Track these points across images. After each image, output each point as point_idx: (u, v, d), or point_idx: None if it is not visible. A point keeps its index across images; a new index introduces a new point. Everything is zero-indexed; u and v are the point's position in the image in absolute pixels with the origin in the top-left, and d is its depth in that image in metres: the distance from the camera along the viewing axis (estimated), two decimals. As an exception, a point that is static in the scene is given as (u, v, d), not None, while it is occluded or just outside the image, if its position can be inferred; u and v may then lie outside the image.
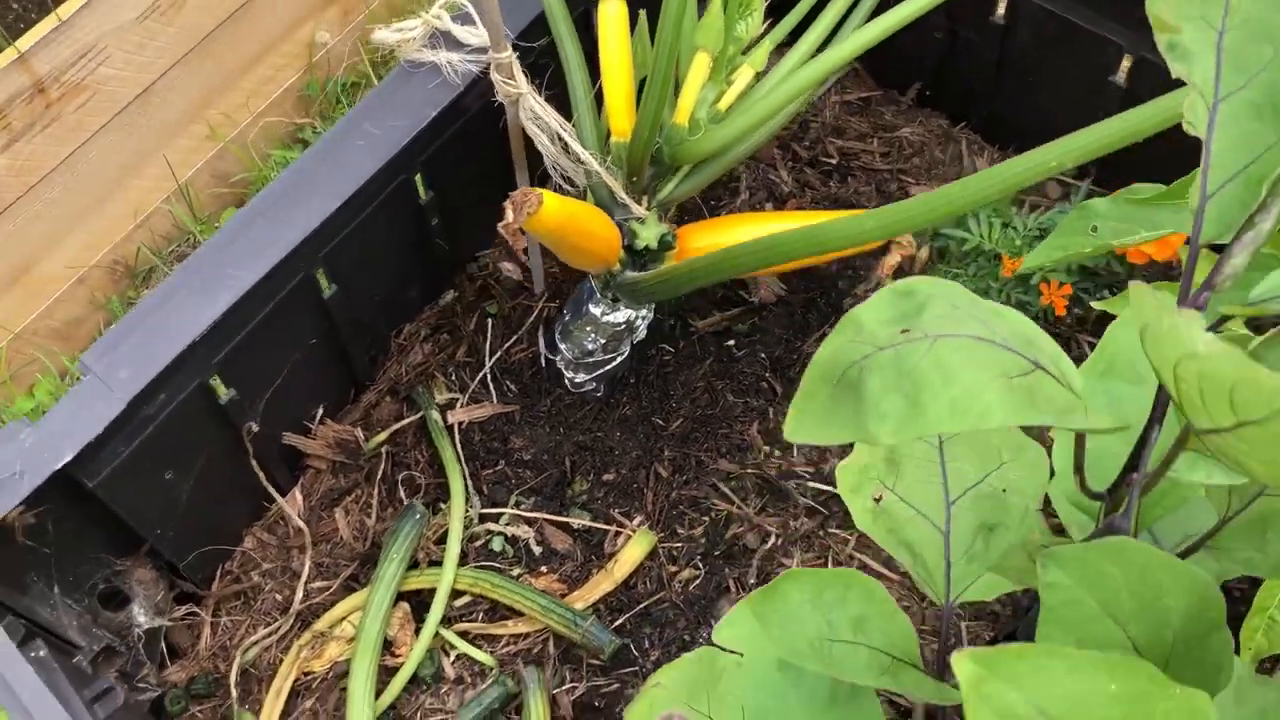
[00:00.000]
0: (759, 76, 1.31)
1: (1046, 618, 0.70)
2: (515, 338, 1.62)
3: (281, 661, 1.46)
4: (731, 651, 1.07)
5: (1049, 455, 1.04)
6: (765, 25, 1.36)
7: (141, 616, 1.42)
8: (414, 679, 1.43)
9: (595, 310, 1.39)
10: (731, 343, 1.59)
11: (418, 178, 1.44)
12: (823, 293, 1.61)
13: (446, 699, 1.43)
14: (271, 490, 1.50)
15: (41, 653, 1.20)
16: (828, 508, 1.47)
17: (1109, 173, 1.62)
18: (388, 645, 1.45)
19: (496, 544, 1.49)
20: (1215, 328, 0.72)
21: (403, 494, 1.54)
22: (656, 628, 1.43)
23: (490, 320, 1.63)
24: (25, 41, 1.81)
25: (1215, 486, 0.86)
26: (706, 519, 1.48)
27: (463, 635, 1.45)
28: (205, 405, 1.34)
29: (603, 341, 1.42)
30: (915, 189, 1.65)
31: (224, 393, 1.36)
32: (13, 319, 1.96)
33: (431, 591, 1.47)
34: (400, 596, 1.47)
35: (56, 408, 1.20)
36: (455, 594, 1.47)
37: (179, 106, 2.09)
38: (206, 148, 2.18)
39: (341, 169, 1.33)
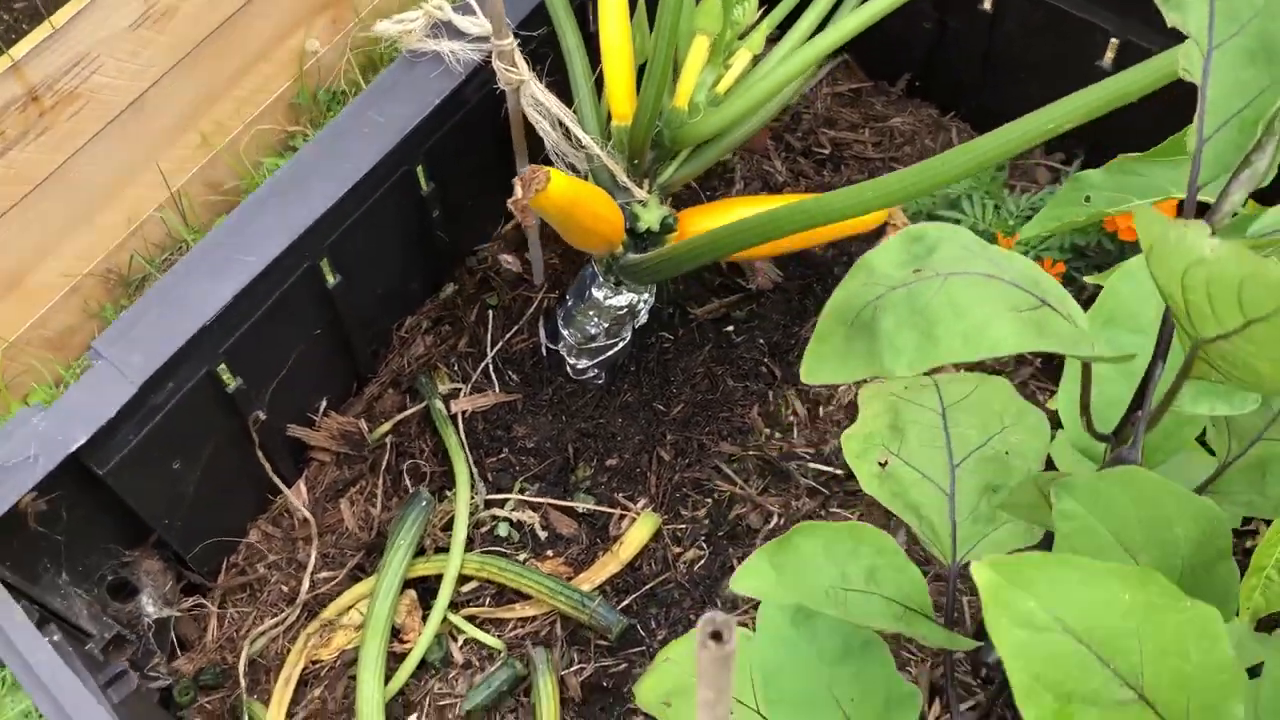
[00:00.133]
0: (756, 61, 1.34)
1: (1060, 546, 0.72)
2: (516, 328, 1.63)
3: (289, 651, 1.47)
4: (741, 624, 1.08)
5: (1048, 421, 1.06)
6: (761, 10, 1.38)
7: (150, 607, 1.43)
8: (422, 664, 1.44)
9: (598, 294, 1.41)
10: (730, 329, 1.61)
11: (419, 169, 1.46)
12: (819, 279, 1.64)
13: (455, 683, 1.44)
14: (277, 481, 1.51)
15: (56, 637, 1.21)
16: (828, 488, 1.49)
17: (1098, 156, 1.65)
18: (395, 632, 1.46)
19: (502, 529, 1.50)
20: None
21: (408, 483, 1.55)
22: (663, 608, 1.45)
23: (491, 311, 1.65)
24: (19, 50, 1.82)
25: (1217, 433, 0.88)
26: (710, 500, 1.50)
27: (470, 620, 1.46)
28: (213, 394, 1.36)
29: (605, 325, 1.44)
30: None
31: (231, 382, 1.37)
32: (6, 328, 1.97)
33: (438, 578, 1.48)
34: (407, 584, 1.48)
35: (69, 393, 1.21)
36: (462, 579, 1.48)
37: (171, 115, 2.10)
38: (199, 156, 2.19)
39: (346, 157, 1.35)
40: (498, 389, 1.60)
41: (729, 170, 1.73)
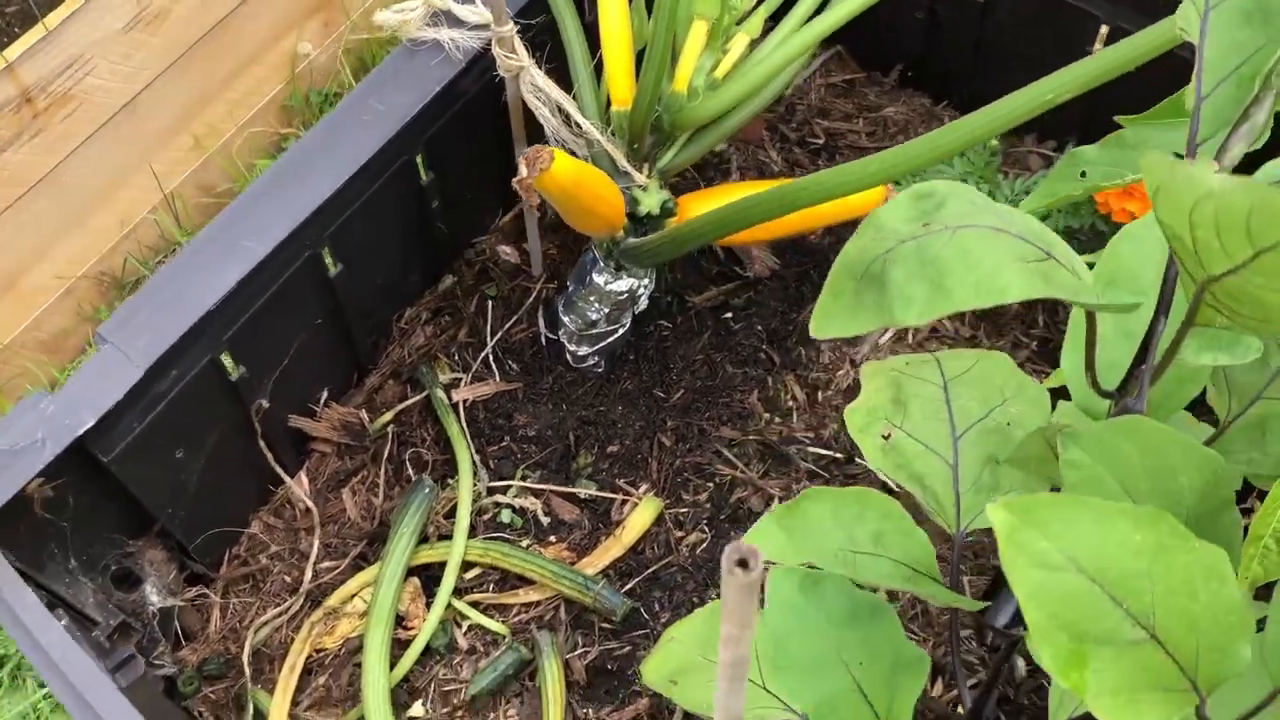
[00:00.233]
0: (754, 45, 1.35)
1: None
2: (515, 318, 1.64)
3: (293, 640, 1.47)
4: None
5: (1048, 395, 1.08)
6: (757, -4, 1.40)
7: (154, 596, 1.43)
8: (427, 651, 1.45)
9: (599, 279, 1.43)
10: (729, 316, 1.63)
11: (419, 158, 1.48)
12: (815, 265, 1.65)
13: (460, 669, 1.44)
14: (279, 470, 1.52)
15: (64, 622, 1.21)
16: (829, 471, 1.51)
17: (1090, 143, 1.67)
18: (399, 620, 1.46)
19: (505, 516, 1.51)
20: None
21: (410, 471, 1.56)
22: (666, 591, 1.46)
23: (490, 302, 1.66)
24: (12, 51, 1.83)
25: (1217, 392, 0.90)
26: (711, 484, 1.51)
27: (474, 605, 1.47)
28: (216, 382, 1.36)
29: (606, 311, 1.45)
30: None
31: (234, 370, 1.38)
32: (1, 331, 1.97)
33: (441, 566, 1.48)
34: (410, 572, 1.48)
35: (75, 377, 1.22)
36: (466, 566, 1.49)
37: (164, 117, 2.10)
38: (192, 158, 2.20)
39: (347, 145, 1.36)
40: (498, 378, 1.61)
41: (725, 161, 1.75)
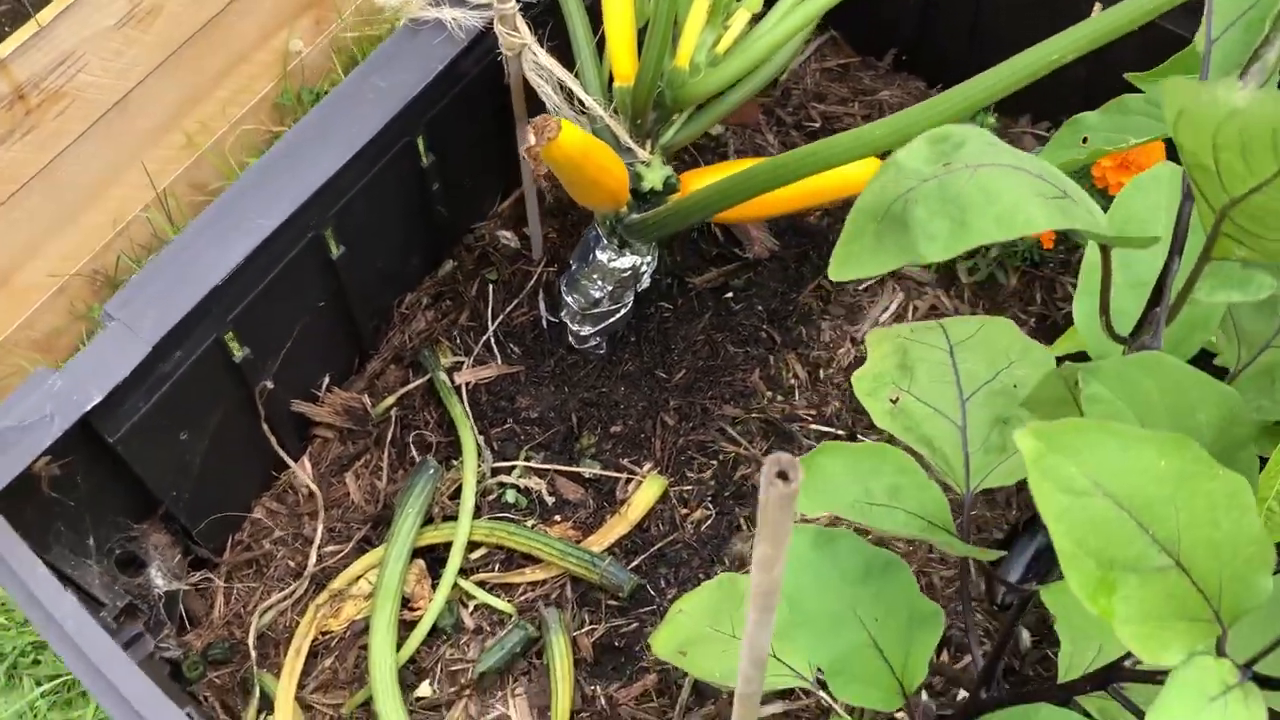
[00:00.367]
0: (755, 20, 1.36)
1: (1089, 432, 0.73)
2: (516, 302, 1.65)
3: (298, 623, 1.47)
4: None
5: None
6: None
7: (159, 580, 1.43)
8: (433, 631, 1.45)
9: (602, 256, 1.43)
10: (729, 296, 1.63)
11: (420, 140, 1.48)
12: (814, 246, 1.66)
13: (467, 649, 1.44)
14: (282, 454, 1.52)
15: (73, 600, 1.21)
16: (832, 447, 1.51)
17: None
18: (405, 601, 1.46)
19: (510, 496, 1.51)
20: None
21: (414, 454, 1.56)
22: (671, 567, 1.46)
23: (491, 286, 1.66)
24: (5, 48, 1.82)
25: (1227, 341, 0.91)
26: (715, 462, 1.52)
27: (480, 585, 1.47)
28: (221, 363, 1.36)
29: (609, 289, 1.46)
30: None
31: (239, 351, 1.38)
32: (-5, 329, 1.97)
33: (446, 547, 1.48)
34: (414, 554, 1.48)
35: (82, 354, 1.22)
36: (471, 546, 1.49)
37: (156, 115, 2.10)
38: (184, 156, 2.19)
39: (350, 123, 1.36)
40: (500, 361, 1.61)
41: (721, 145, 1.76)
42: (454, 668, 1.43)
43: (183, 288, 1.26)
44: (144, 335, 1.22)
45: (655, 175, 1.36)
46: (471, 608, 1.47)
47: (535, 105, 1.42)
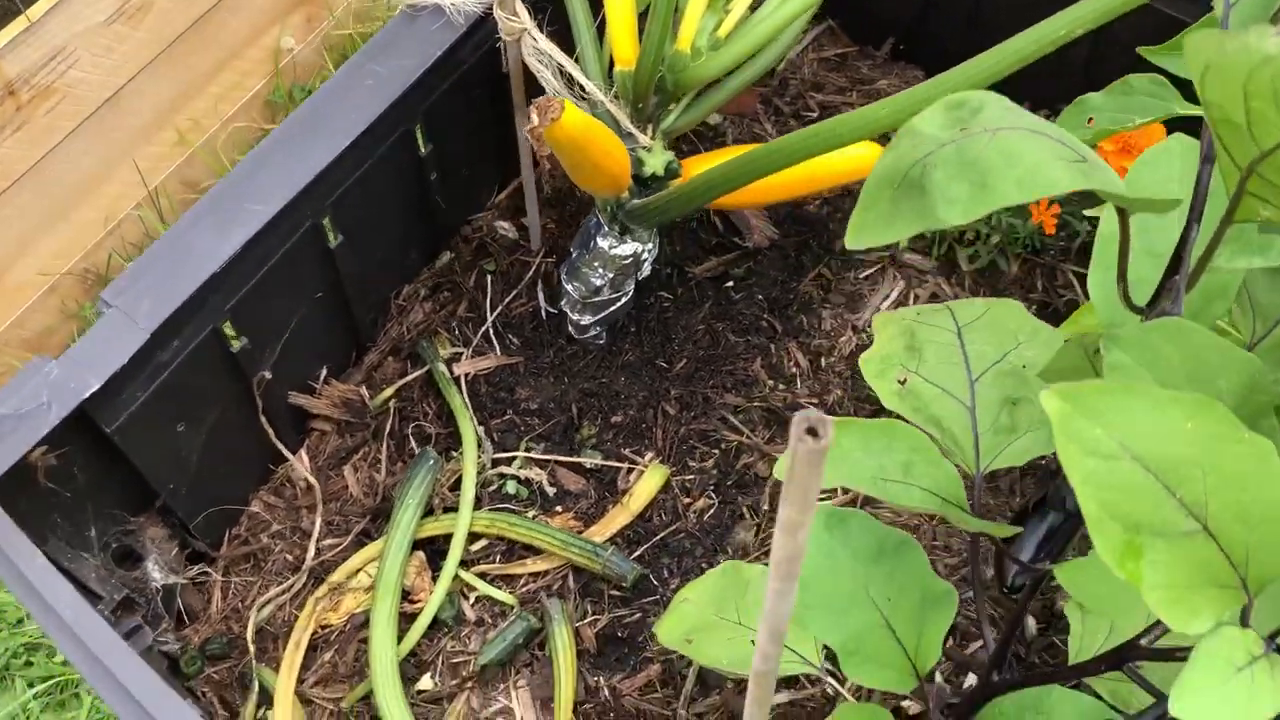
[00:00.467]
0: (755, 5, 1.36)
1: (1110, 400, 0.72)
2: (515, 293, 1.64)
3: (297, 618, 1.45)
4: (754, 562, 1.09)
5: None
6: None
7: (156, 573, 1.41)
8: (434, 623, 1.43)
9: (603, 243, 1.42)
10: (729, 285, 1.62)
11: (419, 129, 1.47)
12: (814, 235, 1.65)
13: (468, 641, 1.43)
14: (280, 446, 1.50)
15: (71, 590, 1.19)
16: (834, 436, 1.50)
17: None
18: (405, 594, 1.45)
19: (510, 487, 1.50)
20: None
21: (413, 446, 1.54)
22: (674, 557, 1.45)
23: (489, 277, 1.65)
24: (-4, 44, 1.82)
25: (1242, 315, 0.90)
26: (717, 451, 1.51)
27: (481, 577, 1.46)
28: (219, 353, 1.35)
29: (610, 276, 1.45)
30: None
31: (236, 341, 1.36)
32: (-14, 327, 1.95)
33: (446, 539, 1.47)
34: (415, 546, 1.47)
35: (80, 342, 1.20)
36: (472, 538, 1.47)
37: (148, 112, 2.09)
38: (176, 154, 2.18)
39: (349, 109, 1.35)
40: (499, 352, 1.60)
41: (720, 134, 1.75)
42: (455, 660, 1.42)
43: (180, 275, 1.25)
44: (141, 323, 1.21)
45: (657, 160, 1.35)
46: (473, 599, 1.45)
47: (535, 92, 1.40)
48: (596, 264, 1.44)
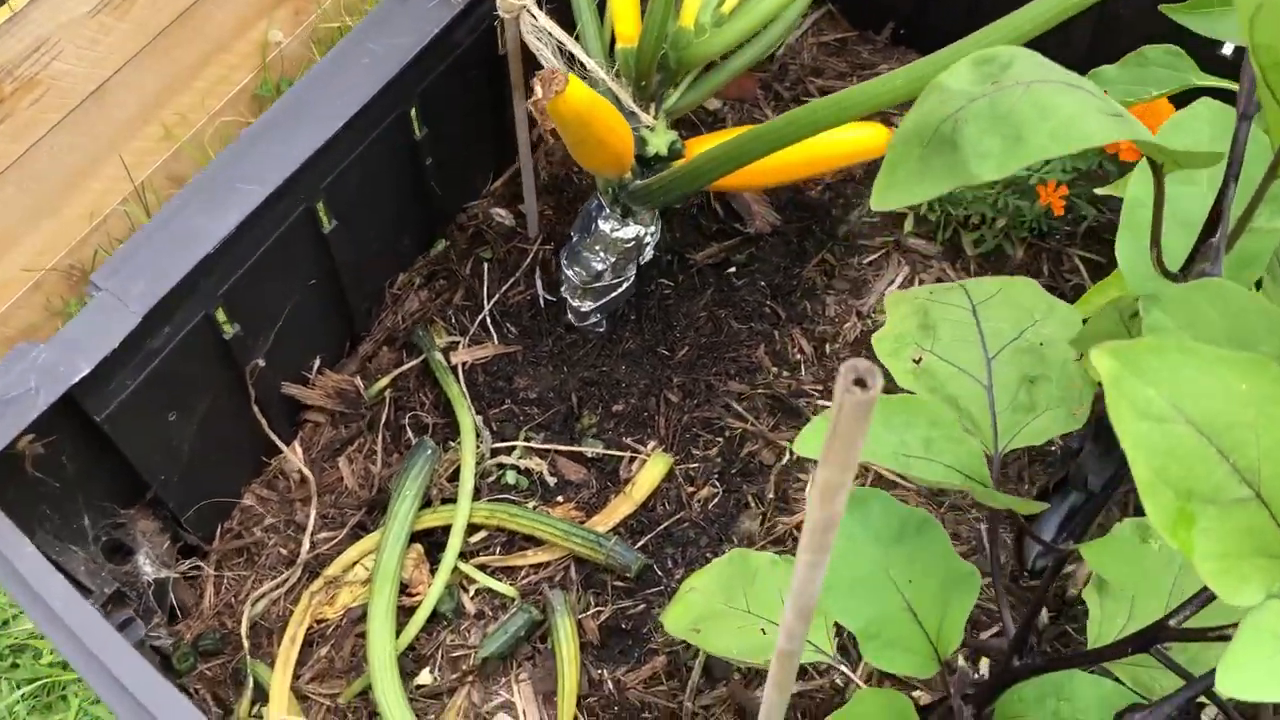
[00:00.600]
0: (759, -19, 1.33)
1: (1151, 363, 0.70)
2: (512, 280, 1.60)
3: (292, 612, 1.42)
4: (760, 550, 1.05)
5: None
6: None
7: (148, 567, 1.37)
8: (433, 617, 1.40)
9: (605, 226, 1.39)
10: (731, 272, 1.60)
11: (413, 112, 1.44)
12: (817, 220, 1.63)
13: (468, 634, 1.39)
14: (274, 437, 1.47)
15: (62, 580, 1.15)
16: (840, 423, 1.47)
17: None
18: (403, 587, 1.41)
19: (510, 477, 1.47)
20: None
21: (410, 436, 1.51)
22: (679, 547, 1.42)
23: (486, 265, 1.62)
24: (-22, 35, 1.78)
25: (1272, 283, 0.87)
26: (721, 439, 1.48)
27: (481, 568, 1.42)
28: (211, 340, 1.31)
29: (612, 261, 1.42)
30: (898, 118, 1.68)
31: (229, 328, 1.33)
32: (-31, 325, 1.91)
33: (445, 530, 1.44)
34: (412, 538, 1.43)
35: (69, 325, 1.17)
36: (471, 529, 1.44)
37: (133, 105, 2.06)
38: (162, 149, 2.15)
39: (343, 90, 1.32)
40: (496, 341, 1.57)
41: (720, 119, 1.72)
42: (455, 654, 1.38)
43: (172, 257, 1.21)
44: (133, 306, 1.17)
45: (661, 140, 1.32)
46: (472, 592, 1.42)
47: (533, 73, 1.38)
48: (598, 248, 1.41)
